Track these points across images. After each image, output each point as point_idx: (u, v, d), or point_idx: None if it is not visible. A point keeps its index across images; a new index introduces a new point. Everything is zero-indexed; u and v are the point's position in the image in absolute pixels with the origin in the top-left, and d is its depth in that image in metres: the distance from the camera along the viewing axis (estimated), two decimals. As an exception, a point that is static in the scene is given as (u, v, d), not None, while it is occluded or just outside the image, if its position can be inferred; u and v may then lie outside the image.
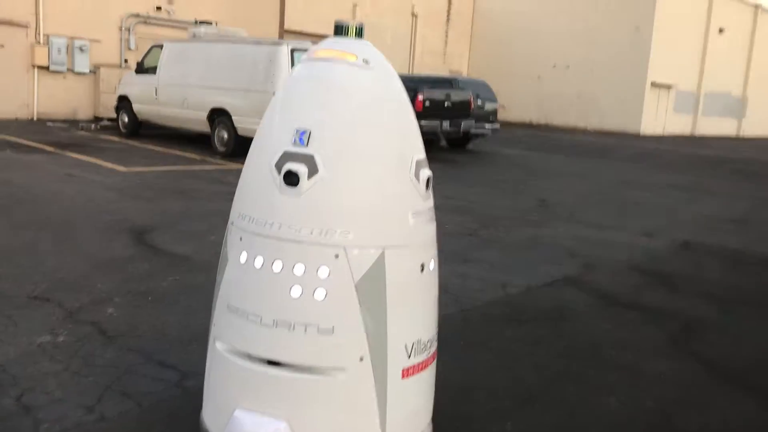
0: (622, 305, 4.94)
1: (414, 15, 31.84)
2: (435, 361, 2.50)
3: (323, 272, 2.13)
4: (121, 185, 8.62)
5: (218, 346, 2.34)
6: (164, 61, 13.65)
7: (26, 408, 2.85)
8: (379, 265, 2.17)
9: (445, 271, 4.46)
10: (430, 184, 2.35)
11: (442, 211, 7.56)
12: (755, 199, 11.52)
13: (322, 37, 2.47)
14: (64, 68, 17.33)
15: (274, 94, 2.67)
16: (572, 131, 30.32)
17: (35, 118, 17.12)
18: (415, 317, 2.32)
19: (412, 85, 14.86)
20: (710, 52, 35.29)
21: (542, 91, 33.55)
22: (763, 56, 38.74)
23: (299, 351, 2.16)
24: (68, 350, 3.42)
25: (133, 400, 2.97)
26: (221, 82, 12.29)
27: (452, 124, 14.79)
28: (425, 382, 2.44)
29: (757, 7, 38.44)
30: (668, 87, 33.17)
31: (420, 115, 13.88)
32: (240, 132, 11.83)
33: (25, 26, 16.75)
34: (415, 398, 2.39)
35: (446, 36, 34.06)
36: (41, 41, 16.96)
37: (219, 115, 12.34)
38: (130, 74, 14.94)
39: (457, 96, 15.48)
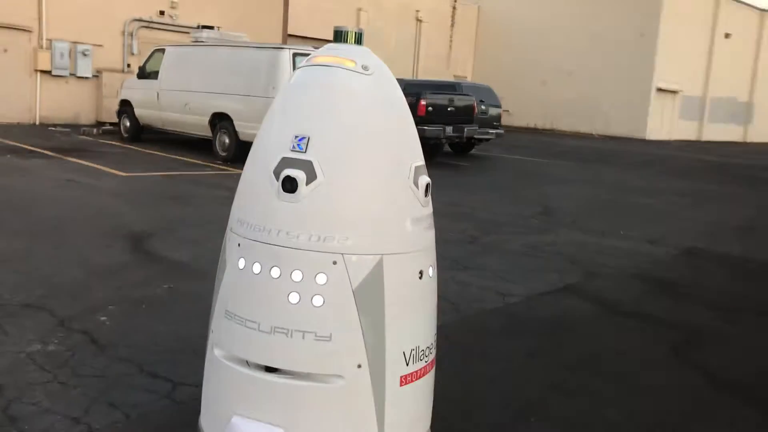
0: (624, 314, 4.86)
1: (418, 20, 31.85)
2: (434, 368, 2.47)
3: (321, 279, 2.12)
4: (120, 190, 8.58)
5: (216, 353, 2.32)
6: (166, 65, 13.64)
7: (12, 419, 2.79)
8: (377, 271, 2.16)
9: (445, 279, 4.41)
10: (429, 191, 2.33)
11: (443, 217, 7.53)
12: (761, 206, 11.43)
13: (325, 41, 2.44)
14: (66, 73, 17.36)
15: (276, 98, 2.64)
16: (577, 137, 30.26)
17: (37, 123, 17.13)
18: (413, 324, 2.30)
19: (415, 90, 14.81)
20: (716, 58, 35.22)
21: (547, 96, 33.50)
22: (770, 62, 38.65)
23: (297, 358, 2.15)
24: (58, 359, 3.37)
25: (121, 411, 2.91)
26: (223, 86, 12.26)
27: (455, 129, 14.72)
28: (424, 390, 2.41)
29: (763, 12, 38.36)
30: (674, 92, 33.09)
31: (423, 121, 13.82)
32: (241, 137, 11.79)
33: (28, 31, 16.78)
34: (413, 406, 2.36)
35: (450, 41, 34.06)
36: (44, 46, 16.99)
37: (220, 120, 12.31)
38: (132, 79, 14.93)
39: (460, 101, 15.41)
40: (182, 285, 4.76)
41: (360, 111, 2.22)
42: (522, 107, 33.03)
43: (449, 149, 17.06)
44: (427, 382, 2.42)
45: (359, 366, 2.16)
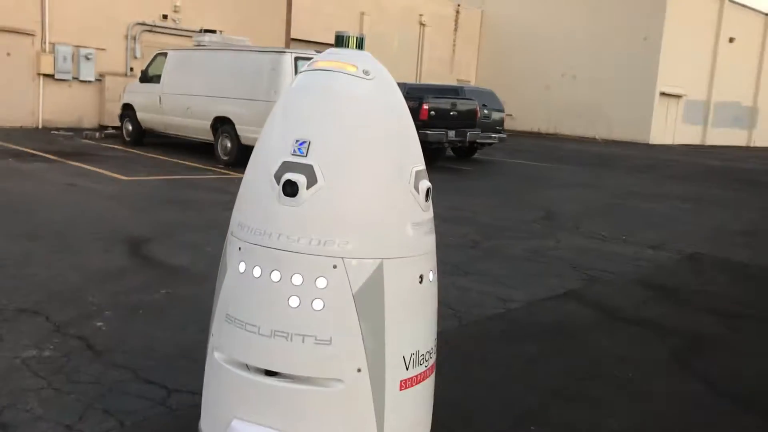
0: (625, 320, 4.82)
1: (421, 24, 31.87)
2: (434, 373, 2.47)
3: (321, 283, 2.12)
4: (120, 195, 8.56)
5: (216, 356, 2.33)
6: (168, 69, 13.64)
7: (3, 426, 2.76)
8: (377, 275, 2.16)
9: (445, 284, 4.37)
10: (430, 195, 2.34)
11: (445, 221, 7.51)
12: (764, 211, 11.37)
13: (328, 45, 2.45)
14: (69, 76, 17.38)
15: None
16: (580, 141, 30.21)
17: (40, 127, 17.16)
18: (413, 329, 2.30)
19: (418, 94, 14.81)
20: (720, 62, 35.15)
21: (550, 100, 33.48)
22: (774, 66, 38.54)
23: (297, 362, 2.15)
24: (53, 365, 3.34)
25: (115, 418, 2.87)
26: (225, 90, 12.25)
27: (458, 133, 14.70)
28: (424, 395, 2.41)
29: None
30: (678, 97, 33.03)
31: (425, 125, 13.80)
32: (243, 141, 11.77)
33: (31, 34, 16.80)
34: (413, 410, 2.36)
35: (454, 45, 34.06)
36: (47, 49, 17.01)
37: (222, 124, 12.30)
38: (135, 83, 14.94)
39: (462, 105, 15.39)
40: (180, 290, 4.73)
41: (361, 115, 2.22)
42: (525, 111, 33.01)
43: (452, 153, 17.03)
44: (427, 386, 2.43)
45: (359, 370, 2.16)
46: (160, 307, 4.35)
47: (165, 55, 13.97)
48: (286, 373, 2.16)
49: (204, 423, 2.44)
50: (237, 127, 11.95)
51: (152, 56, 14.66)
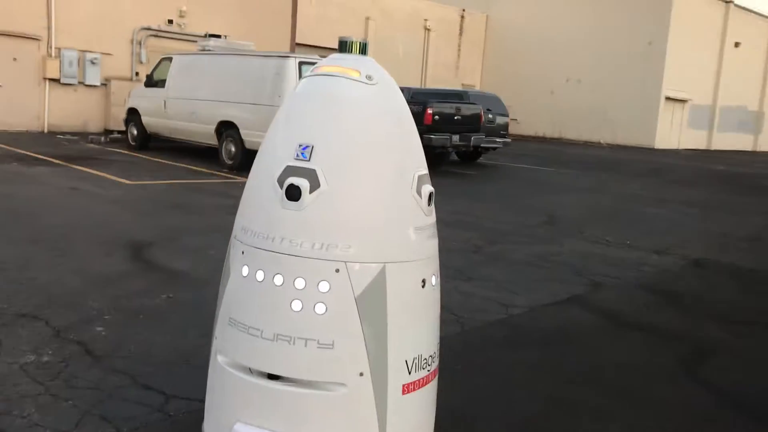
0: (629, 326, 4.78)
1: (426, 29, 31.89)
2: (437, 377, 2.47)
3: (324, 287, 2.13)
4: (124, 199, 8.56)
5: (220, 359, 2.34)
6: (173, 74, 13.66)
7: (0, 432, 2.74)
8: (379, 280, 2.17)
9: (448, 289, 4.34)
10: (433, 200, 2.34)
11: (448, 226, 7.48)
12: (770, 216, 11.30)
13: (334, 50, 2.46)
14: (75, 81, 17.43)
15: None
16: (585, 145, 30.15)
17: (46, 131, 17.20)
18: (416, 333, 2.31)
19: (422, 98, 14.80)
20: (726, 67, 35.04)
21: (555, 105, 33.43)
22: (780, 70, 38.41)
23: (299, 365, 2.16)
24: (51, 371, 3.32)
25: (112, 425, 2.85)
26: (229, 95, 12.26)
27: (462, 138, 14.67)
28: (426, 399, 2.41)
29: (773, 21, 38.16)
30: (683, 101, 32.94)
31: (429, 129, 13.78)
32: (247, 145, 11.77)
33: (38, 39, 16.86)
34: (415, 414, 2.36)
35: (459, 50, 34.07)
36: (53, 54, 17.06)
37: (227, 128, 12.30)
38: (140, 87, 14.97)
39: (467, 110, 15.37)
40: (181, 294, 4.71)
41: (363, 120, 2.24)
42: (530, 116, 32.95)
43: (456, 158, 17.00)
44: (430, 391, 2.43)
45: (361, 374, 2.16)
46: (160, 312, 4.33)
47: (170, 59, 14.00)
48: (288, 377, 2.17)
49: (207, 426, 2.45)
50: (241, 131, 11.95)
51: (157, 61, 14.69)
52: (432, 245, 2.37)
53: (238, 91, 12.11)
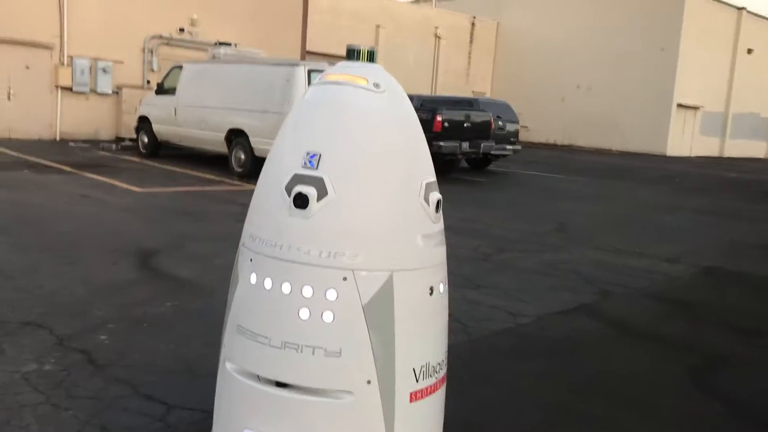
0: (639, 336, 4.72)
1: (437, 36, 31.91)
2: (445, 385, 2.46)
3: (331, 295, 2.14)
4: (133, 206, 8.58)
5: (228, 367, 2.34)
6: (183, 82, 13.72)
7: (0, 443, 2.72)
8: (387, 287, 2.17)
9: (455, 298, 4.30)
10: (441, 207, 2.34)
11: (457, 233, 7.44)
12: (783, 224, 11.18)
13: (344, 58, 2.45)
14: (87, 89, 17.55)
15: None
16: (596, 152, 30.02)
17: (58, 139, 17.31)
18: (423, 340, 2.30)
19: (431, 105, 14.78)
20: (738, 73, 34.83)
21: (566, 112, 33.33)
22: (793, 77, 38.09)
23: (307, 373, 2.16)
24: (52, 380, 3.30)
25: (112, 435, 2.83)
26: (239, 102, 12.29)
27: (471, 145, 14.64)
28: (434, 406, 2.40)
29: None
30: (695, 108, 32.76)
31: (439, 136, 13.76)
32: (257, 153, 11.79)
33: (50, 48, 16.99)
34: (423, 422, 2.35)
35: (469, 57, 34.06)
36: (65, 62, 17.19)
37: (236, 136, 12.33)
38: (151, 95, 15.05)
39: (476, 117, 15.34)
40: (186, 303, 4.69)
41: (371, 128, 2.24)
42: (541, 123, 32.88)
43: (466, 165, 16.96)
44: (438, 398, 2.42)
45: (369, 382, 2.16)
46: (165, 321, 4.31)
47: (180, 67, 14.06)
48: (296, 385, 2.17)
49: None
50: (251, 139, 11.98)
51: (168, 69, 14.76)
52: (440, 252, 2.37)
53: (247, 98, 12.14)
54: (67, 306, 4.44)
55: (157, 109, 14.36)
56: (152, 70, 18.60)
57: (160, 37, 18.73)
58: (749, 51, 34.98)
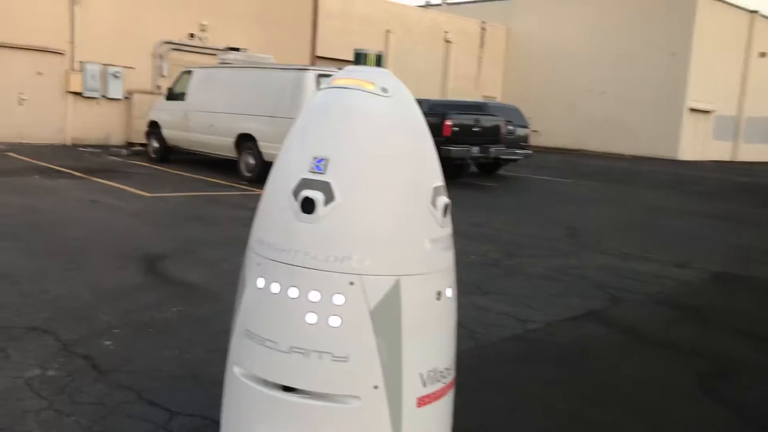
0: (648, 342, 4.66)
1: (447, 41, 31.86)
2: (452, 390, 2.44)
3: (338, 299, 2.13)
4: (142, 211, 8.59)
5: (236, 371, 2.34)
6: (193, 87, 13.76)
7: (2, 449, 2.71)
8: (394, 292, 2.17)
9: (464, 304, 4.24)
10: (448, 211, 2.33)
11: (466, 238, 7.40)
12: (797, 228, 11.06)
13: (353, 63, 2.44)
14: (97, 94, 17.65)
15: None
16: (607, 157, 29.87)
17: (69, 144, 17.40)
18: (430, 345, 2.30)
19: (441, 110, 14.73)
20: (751, 77, 34.58)
21: (577, 116, 33.19)
22: (806, 81, 37.76)
23: (314, 378, 2.16)
24: (56, 386, 3.29)
25: (114, 441, 2.81)
26: (248, 108, 12.31)
27: (481, 149, 14.59)
28: (442, 412, 2.39)
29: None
30: (707, 112, 32.55)
31: (448, 141, 13.72)
32: (266, 158, 11.79)
33: (61, 53, 17.10)
34: (431, 427, 2.35)
35: (479, 61, 33.98)
36: (76, 68, 17.28)
37: (246, 141, 12.34)
38: (161, 101, 15.10)
39: (486, 121, 15.29)
40: (192, 308, 4.68)
41: (378, 133, 2.25)
42: (551, 127, 32.74)
43: (475, 169, 16.91)
44: (445, 404, 2.41)
45: (376, 387, 2.15)
46: (170, 326, 4.30)
47: (190, 73, 14.11)
48: (303, 389, 2.17)
49: None
50: (260, 144, 11.99)
51: (178, 74, 14.81)
52: (447, 257, 2.36)
53: (256, 104, 12.16)
54: (73, 311, 4.44)
55: (167, 114, 14.41)
56: (162, 76, 18.67)
57: (171, 42, 18.81)
58: (762, 54, 34.74)
